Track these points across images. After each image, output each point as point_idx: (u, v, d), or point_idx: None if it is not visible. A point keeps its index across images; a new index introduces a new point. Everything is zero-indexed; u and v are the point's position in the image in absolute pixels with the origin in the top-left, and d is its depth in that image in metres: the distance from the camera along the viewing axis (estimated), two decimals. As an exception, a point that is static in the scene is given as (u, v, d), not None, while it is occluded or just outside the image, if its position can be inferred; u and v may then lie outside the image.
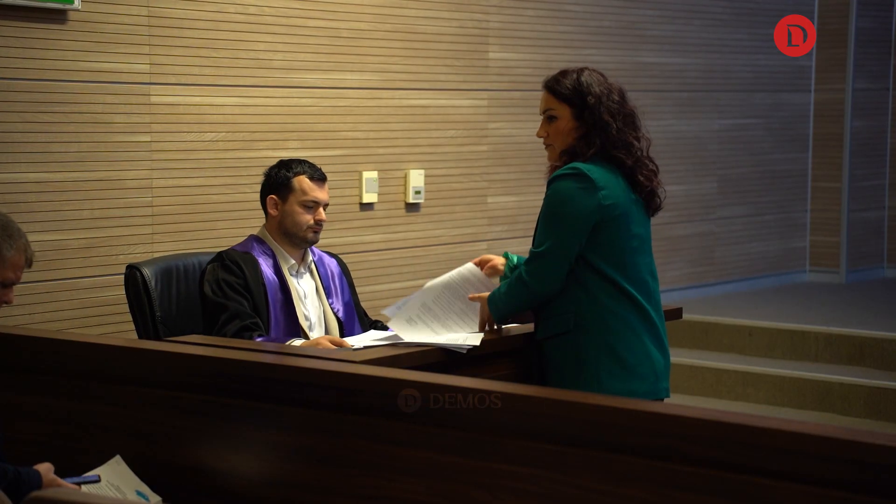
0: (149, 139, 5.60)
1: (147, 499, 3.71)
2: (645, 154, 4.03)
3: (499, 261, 4.22)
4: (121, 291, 4.94)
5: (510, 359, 4.15)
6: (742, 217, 8.95)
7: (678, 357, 7.18)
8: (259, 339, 4.26)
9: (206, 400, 3.69)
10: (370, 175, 6.52)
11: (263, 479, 3.60)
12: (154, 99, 5.61)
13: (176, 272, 4.80)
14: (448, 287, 4.19)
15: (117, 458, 3.74)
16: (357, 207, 6.49)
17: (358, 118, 6.47)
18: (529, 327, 4.14)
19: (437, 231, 6.85)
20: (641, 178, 3.98)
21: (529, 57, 7.25)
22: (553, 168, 4.01)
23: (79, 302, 5.37)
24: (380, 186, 6.57)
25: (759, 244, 9.10)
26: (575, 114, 3.96)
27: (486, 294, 4.08)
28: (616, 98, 3.98)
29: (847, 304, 8.41)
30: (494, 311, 4.03)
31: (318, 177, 4.59)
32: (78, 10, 5.32)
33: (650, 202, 4.05)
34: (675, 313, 4.67)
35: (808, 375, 6.96)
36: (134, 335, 4.86)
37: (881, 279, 9.55)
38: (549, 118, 4.00)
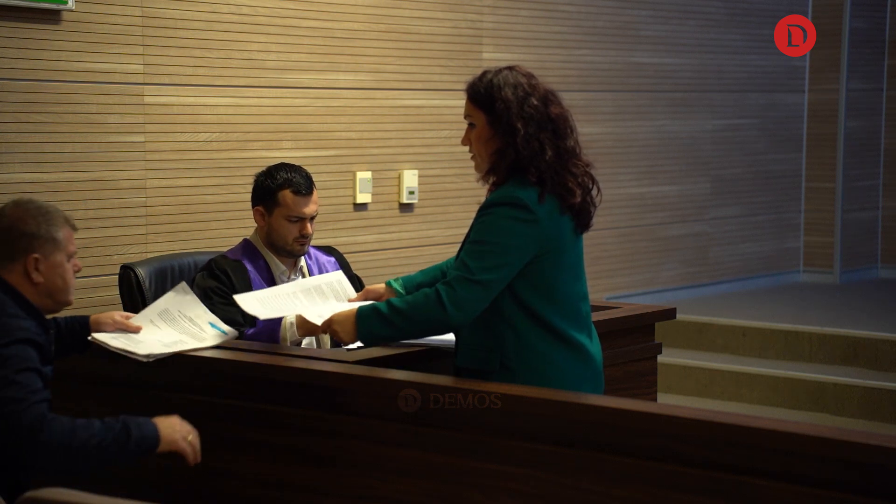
0: (143, 139, 5.59)
1: (223, 332, 3.83)
2: (569, 166, 3.53)
3: (378, 290, 3.89)
4: (115, 292, 4.94)
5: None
6: (736, 217, 8.96)
7: (672, 357, 7.19)
8: (249, 332, 4.18)
9: (201, 401, 3.69)
10: (364, 175, 6.52)
11: (258, 480, 3.60)
12: (148, 99, 5.60)
13: (170, 272, 4.80)
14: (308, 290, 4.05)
15: (183, 284, 3.81)
16: (351, 208, 6.49)
17: (352, 118, 6.47)
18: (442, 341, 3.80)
19: (431, 231, 6.86)
20: (564, 194, 3.49)
21: (523, 57, 7.24)
22: (483, 181, 3.63)
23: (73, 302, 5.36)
24: (373, 187, 6.57)
25: (752, 244, 9.11)
26: (489, 121, 3.53)
27: (351, 308, 3.64)
28: (535, 102, 3.51)
29: (841, 304, 8.41)
30: (368, 332, 3.56)
31: (304, 191, 4.41)
32: (72, 11, 5.32)
33: (578, 219, 3.56)
34: (669, 314, 4.67)
35: (801, 376, 6.97)
36: (128, 336, 4.85)
37: (875, 279, 9.56)
38: (470, 125, 3.60)
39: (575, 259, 3.58)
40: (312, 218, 4.45)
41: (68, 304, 3.47)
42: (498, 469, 3.21)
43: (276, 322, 4.10)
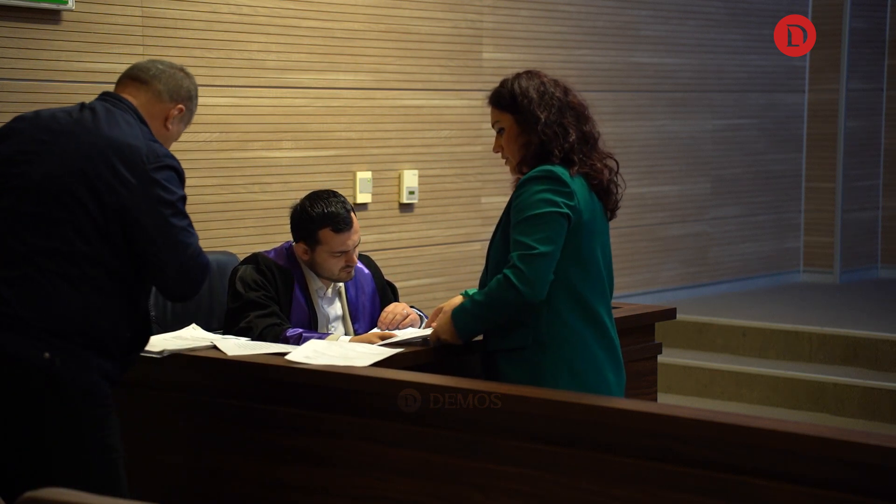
0: (142, 139, 5.58)
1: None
2: (594, 149, 3.74)
3: (454, 304, 3.83)
4: (114, 292, 4.93)
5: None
6: (736, 217, 8.95)
7: (672, 357, 7.19)
8: (290, 333, 4.13)
9: (201, 401, 3.69)
10: (364, 175, 6.51)
11: (258, 480, 3.60)
12: (148, 99, 5.59)
13: (170, 272, 4.76)
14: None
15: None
16: (351, 208, 6.48)
17: (352, 118, 6.47)
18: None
19: (431, 231, 6.85)
20: (592, 173, 3.68)
21: (523, 57, 7.24)
22: (517, 180, 3.74)
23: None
24: (374, 187, 6.57)
25: (752, 244, 9.10)
26: (516, 119, 3.72)
27: (446, 312, 3.74)
28: (556, 93, 3.74)
29: (841, 304, 8.41)
30: (462, 328, 3.68)
31: (344, 227, 4.28)
32: (72, 11, 5.32)
33: (606, 201, 3.74)
34: (669, 314, 4.67)
35: (801, 376, 6.97)
36: (128, 336, 4.84)
37: (875, 279, 9.56)
38: (498, 131, 3.77)
39: (608, 242, 3.75)
40: (356, 246, 4.36)
41: None
42: (498, 469, 3.21)
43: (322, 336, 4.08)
